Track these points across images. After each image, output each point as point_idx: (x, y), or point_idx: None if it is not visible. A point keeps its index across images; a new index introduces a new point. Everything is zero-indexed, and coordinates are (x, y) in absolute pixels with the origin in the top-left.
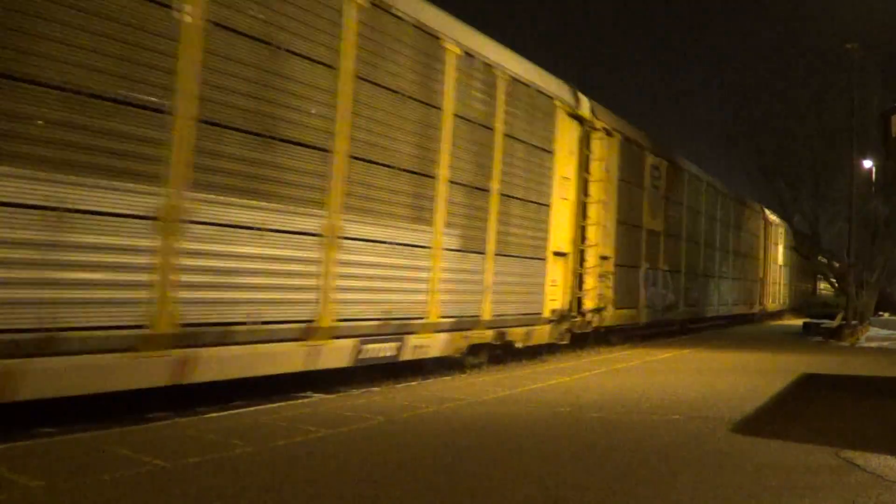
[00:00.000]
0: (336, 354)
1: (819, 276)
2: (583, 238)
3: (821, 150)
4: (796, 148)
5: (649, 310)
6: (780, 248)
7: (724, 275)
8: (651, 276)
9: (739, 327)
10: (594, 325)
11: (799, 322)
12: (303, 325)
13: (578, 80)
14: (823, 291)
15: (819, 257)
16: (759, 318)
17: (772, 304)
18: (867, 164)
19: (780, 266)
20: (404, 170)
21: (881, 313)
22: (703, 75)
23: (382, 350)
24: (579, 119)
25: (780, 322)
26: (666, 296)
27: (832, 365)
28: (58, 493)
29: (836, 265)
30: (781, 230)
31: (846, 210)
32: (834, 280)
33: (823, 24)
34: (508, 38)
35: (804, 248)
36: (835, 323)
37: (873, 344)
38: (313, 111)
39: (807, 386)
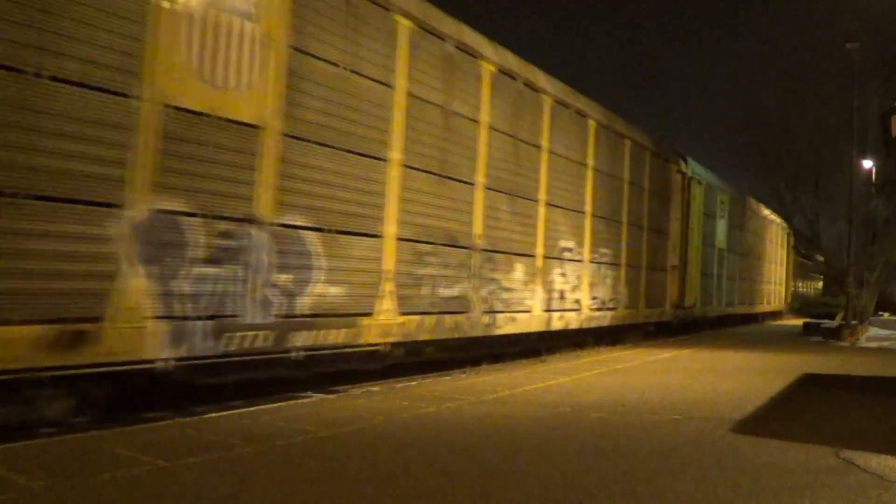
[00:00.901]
0: None
1: (797, 271)
2: None
3: (821, 149)
4: (797, 147)
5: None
6: (724, 224)
7: (571, 255)
8: (258, 242)
9: (740, 328)
10: None
11: (799, 322)
12: None
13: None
14: (802, 290)
15: (818, 256)
16: (641, 331)
17: (695, 303)
18: (867, 164)
19: (741, 257)
20: None
21: (881, 313)
22: (705, 75)
23: None
24: None
25: (780, 322)
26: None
27: (832, 365)
28: (58, 493)
29: (822, 259)
30: (772, 221)
31: (846, 210)
32: (826, 276)
33: (824, 24)
34: (507, 37)
35: (794, 244)
36: (835, 323)
37: (873, 344)
38: None
39: (807, 386)
